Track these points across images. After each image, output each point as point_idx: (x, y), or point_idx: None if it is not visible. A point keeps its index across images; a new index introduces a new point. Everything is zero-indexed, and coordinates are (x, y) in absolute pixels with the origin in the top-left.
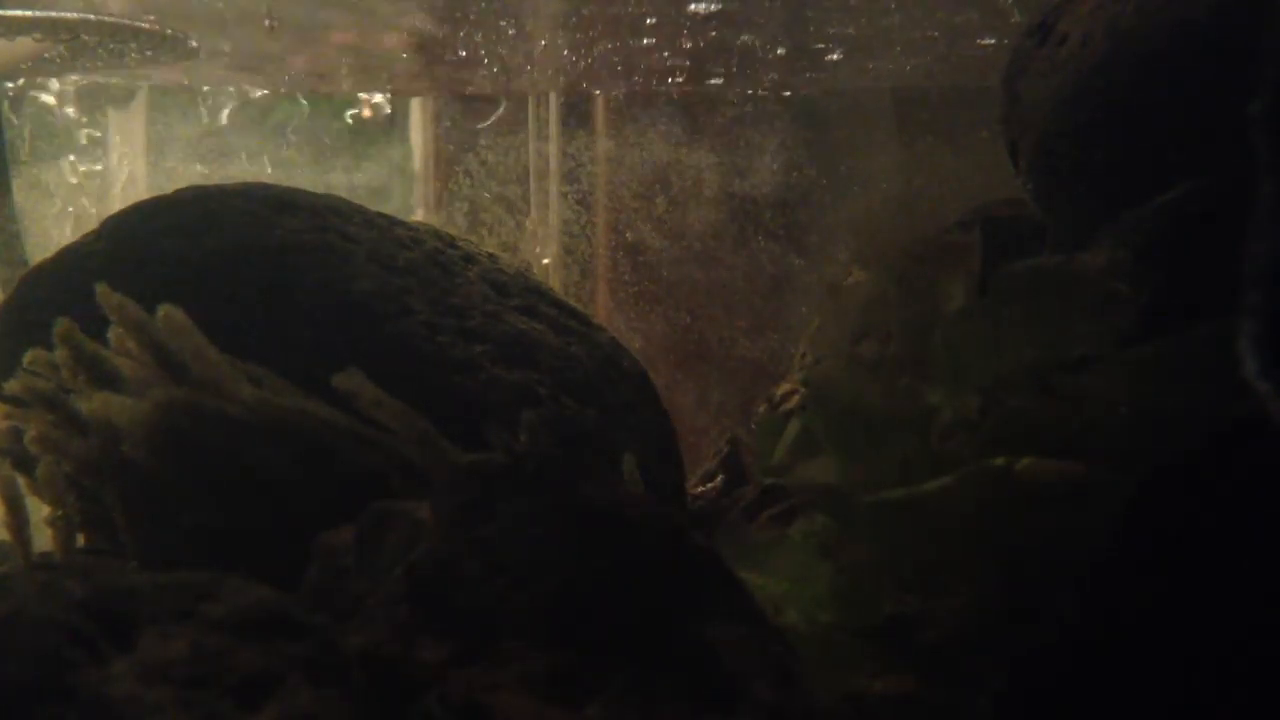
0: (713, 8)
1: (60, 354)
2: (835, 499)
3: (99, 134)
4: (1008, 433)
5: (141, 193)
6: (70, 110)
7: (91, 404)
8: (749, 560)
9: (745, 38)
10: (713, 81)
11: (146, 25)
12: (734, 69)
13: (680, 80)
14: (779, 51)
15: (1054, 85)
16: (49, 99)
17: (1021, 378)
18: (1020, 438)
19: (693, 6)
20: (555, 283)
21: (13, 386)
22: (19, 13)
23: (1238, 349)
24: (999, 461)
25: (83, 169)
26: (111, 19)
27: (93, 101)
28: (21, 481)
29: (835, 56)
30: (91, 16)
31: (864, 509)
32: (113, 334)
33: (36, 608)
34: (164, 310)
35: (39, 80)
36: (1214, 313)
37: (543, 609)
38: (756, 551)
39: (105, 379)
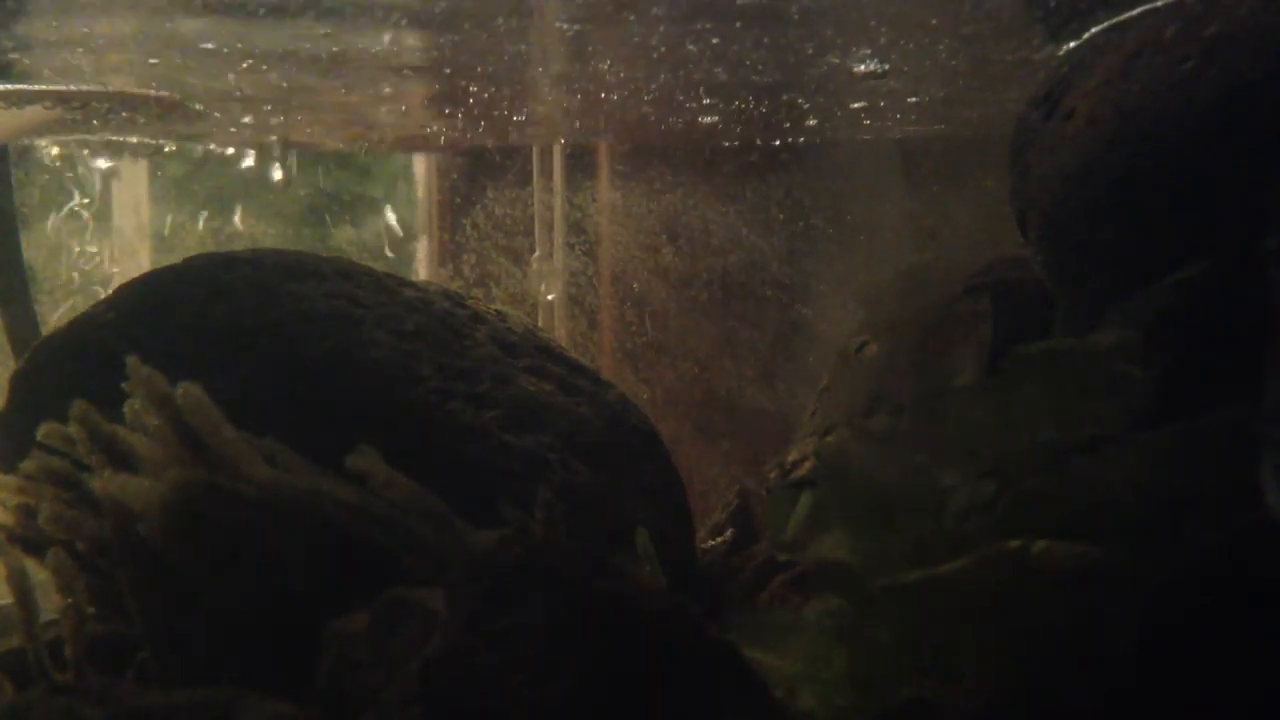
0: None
1: (75, 431)
2: (851, 581)
3: (103, 189)
4: (1022, 514)
5: (145, 250)
6: (75, 165)
7: (107, 485)
8: (764, 641)
9: (749, 98)
10: (717, 132)
11: (155, 94)
12: (739, 120)
13: (684, 131)
14: (785, 104)
15: (1061, 161)
16: (53, 153)
17: (1035, 457)
18: (1034, 519)
19: (698, 62)
20: (560, 327)
21: (28, 466)
22: (38, 86)
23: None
24: (1014, 544)
25: (87, 222)
26: (118, 90)
27: (97, 157)
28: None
29: (839, 109)
30: (98, 88)
31: (880, 591)
32: (128, 408)
33: None
34: (183, 388)
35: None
36: (1222, 393)
37: (559, 707)
38: (772, 632)
39: (120, 459)
